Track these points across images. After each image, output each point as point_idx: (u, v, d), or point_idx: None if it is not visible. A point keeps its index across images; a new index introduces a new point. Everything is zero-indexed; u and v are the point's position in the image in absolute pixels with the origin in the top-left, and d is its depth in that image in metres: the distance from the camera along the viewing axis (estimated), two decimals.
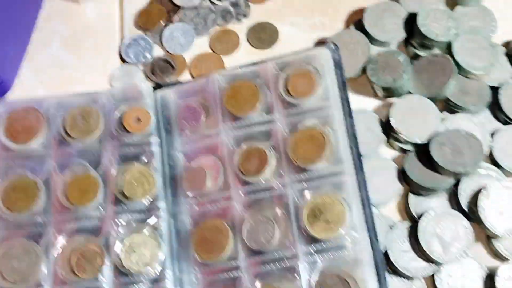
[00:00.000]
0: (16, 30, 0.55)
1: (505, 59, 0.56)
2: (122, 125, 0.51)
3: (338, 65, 0.51)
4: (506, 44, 0.57)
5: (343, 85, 0.51)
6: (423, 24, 0.55)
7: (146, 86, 0.53)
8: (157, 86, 0.55)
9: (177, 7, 0.58)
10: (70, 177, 0.50)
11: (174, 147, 0.52)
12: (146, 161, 0.51)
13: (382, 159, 0.52)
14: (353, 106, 0.51)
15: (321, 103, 0.50)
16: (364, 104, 0.55)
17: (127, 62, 0.56)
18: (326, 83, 0.50)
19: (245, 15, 0.59)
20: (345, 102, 0.50)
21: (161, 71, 0.56)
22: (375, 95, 0.55)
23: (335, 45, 0.53)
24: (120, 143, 0.51)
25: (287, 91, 0.50)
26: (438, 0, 0.58)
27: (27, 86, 0.56)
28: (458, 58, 0.54)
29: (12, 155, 0.51)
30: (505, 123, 0.54)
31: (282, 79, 0.51)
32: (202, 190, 0.50)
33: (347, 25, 0.59)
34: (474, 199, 0.49)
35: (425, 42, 0.55)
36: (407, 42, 0.57)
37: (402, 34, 0.56)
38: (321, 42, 0.57)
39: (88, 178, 0.50)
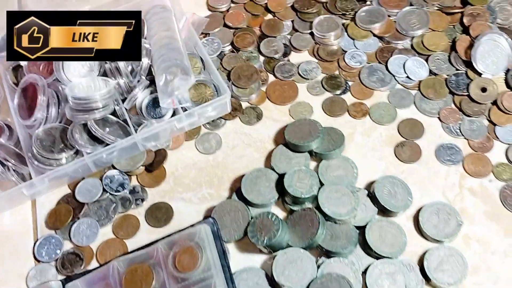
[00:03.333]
0: None
1: (368, 200, 0.65)
2: None
3: (217, 236, 0.60)
4: (368, 186, 0.67)
5: (223, 253, 0.59)
6: (289, 185, 0.64)
7: (55, 284, 0.60)
8: (68, 278, 0.61)
9: (82, 204, 0.67)
10: None
11: None
12: None
13: None
14: (241, 264, 0.60)
15: (205, 274, 0.57)
16: (252, 261, 0.63)
17: (41, 261, 0.64)
18: (207, 256, 0.58)
19: (143, 200, 0.68)
20: (226, 269, 0.58)
21: (70, 264, 0.63)
22: (261, 251, 0.63)
23: (214, 219, 0.62)
24: None
25: (176, 267, 0.58)
26: (306, 158, 0.69)
27: None
28: (324, 208, 0.63)
29: None
30: (376, 258, 0.62)
31: (171, 257, 0.59)
32: None
33: (231, 192, 0.68)
34: None
35: (295, 199, 0.64)
36: (283, 200, 0.66)
37: (275, 195, 0.66)
38: (207, 216, 0.65)
39: None
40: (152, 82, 0.70)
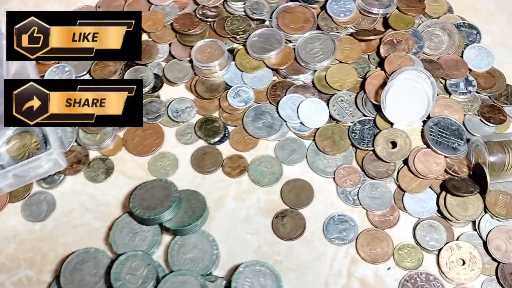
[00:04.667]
0: None
1: None
2: None
3: None
4: (230, 273, 0.52)
5: None
6: (116, 279, 0.49)
7: None
8: None
9: None
10: None
11: None
12: None
13: None
14: None
15: None
16: None
17: None
18: None
19: None
20: None
21: None
22: None
23: None
24: None
25: None
26: (154, 233, 0.54)
27: None
28: None
29: None
30: None
31: None
32: None
33: (57, 275, 0.53)
34: None
35: None
36: None
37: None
38: None
39: None
40: None
